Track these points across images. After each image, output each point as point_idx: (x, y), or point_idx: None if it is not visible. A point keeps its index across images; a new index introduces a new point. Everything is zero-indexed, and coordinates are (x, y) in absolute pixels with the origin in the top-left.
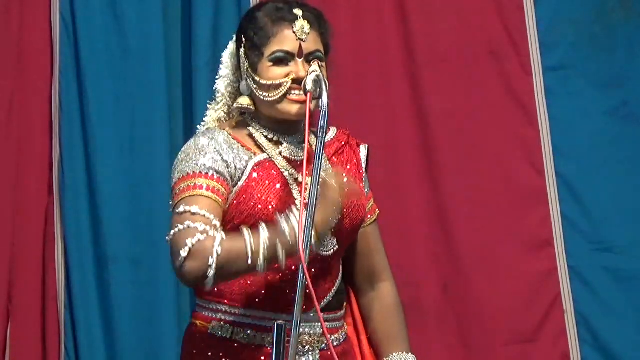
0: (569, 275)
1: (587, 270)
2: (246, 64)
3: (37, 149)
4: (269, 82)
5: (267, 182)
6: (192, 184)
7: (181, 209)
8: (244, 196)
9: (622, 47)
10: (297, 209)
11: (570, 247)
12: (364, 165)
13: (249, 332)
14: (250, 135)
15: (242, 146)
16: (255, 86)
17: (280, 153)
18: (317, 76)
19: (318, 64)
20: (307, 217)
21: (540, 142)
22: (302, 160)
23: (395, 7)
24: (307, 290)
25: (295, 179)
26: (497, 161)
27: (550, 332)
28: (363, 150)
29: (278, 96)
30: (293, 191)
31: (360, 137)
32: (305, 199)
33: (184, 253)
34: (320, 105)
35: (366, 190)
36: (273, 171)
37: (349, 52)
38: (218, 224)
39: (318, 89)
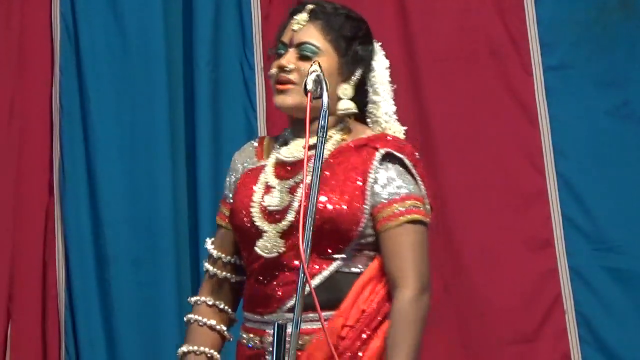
0: (569, 275)
1: (588, 270)
2: None
3: (37, 149)
4: (270, 74)
5: (245, 193)
6: (219, 210)
7: (211, 239)
8: (231, 208)
9: (622, 47)
10: (257, 219)
11: (571, 247)
12: (372, 171)
13: (244, 334)
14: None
15: (255, 154)
16: None
17: (278, 156)
18: (318, 76)
19: (318, 63)
20: (308, 217)
21: (540, 141)
22: (293, 162)
23: (395, 7)
24: (270, 292)
25: (266, 183)
26: (497, 161)
27: (551, 332)
28: (377, 155)
29: (273, 88)
30: (254, 196)
31: None
32: (305, 201)
33: (192, 300)
34: (321, 104)
35: (372, 199)
36: (255, 179)
37: None
38: (229, 258)
39: (319, 89)
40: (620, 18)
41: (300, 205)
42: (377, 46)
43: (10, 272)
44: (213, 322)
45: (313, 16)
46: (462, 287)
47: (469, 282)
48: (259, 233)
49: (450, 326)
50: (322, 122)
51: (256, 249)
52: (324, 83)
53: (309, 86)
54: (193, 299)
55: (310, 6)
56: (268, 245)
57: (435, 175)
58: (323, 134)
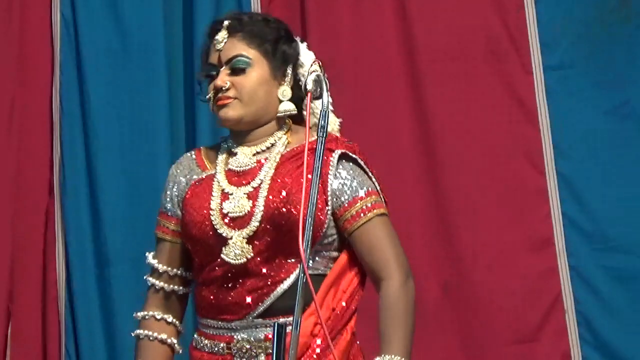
0: (569, 275)
1: (588, 269)
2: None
3: (37, 149)
4: (207, 97)
5: (200, 203)
6: (159, 224)
7: (152, 253)
8: (184, 220)
9: (622, 47)
10: (223, 228)
11: (571, 246)
12: (331, 172)
13: (205, 340)
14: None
15: (197, 166)
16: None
17: (228, 165)
18: (318, 76)
19: (318, 63)
20: (308, 217)
21: (540, 141)
22: (242, 171)
23: (395, 7)
24: (237, 299)
25: (222, 190)
26: (497, 160)
27: (551, 331)
28: (334, 156)
29: (213, 108)
30: (211, 203)
31: (360, 137)
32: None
33: (139, 315)
34: (321, 103)
35: (334, 200)
36: (208, 188)
37: (349, 52)
38: (175, 271)
39: (319, 89)
40: (620, 18)
41: (265, 208)
42: (299, 42)
43: (11, 272)
44: (164, 335)
45: (232, 30)
46: (462, 287)
47: (469, 282)
48: (222, 240)
49: (450, 326)
50: (322, 122)
51: (223, 256)
52: (324, 83)
53: (309, 86)
54: (140, 314)
55: (226, 22)
56: (237, 251)
57: (435, 175)
58: (323, 134)
